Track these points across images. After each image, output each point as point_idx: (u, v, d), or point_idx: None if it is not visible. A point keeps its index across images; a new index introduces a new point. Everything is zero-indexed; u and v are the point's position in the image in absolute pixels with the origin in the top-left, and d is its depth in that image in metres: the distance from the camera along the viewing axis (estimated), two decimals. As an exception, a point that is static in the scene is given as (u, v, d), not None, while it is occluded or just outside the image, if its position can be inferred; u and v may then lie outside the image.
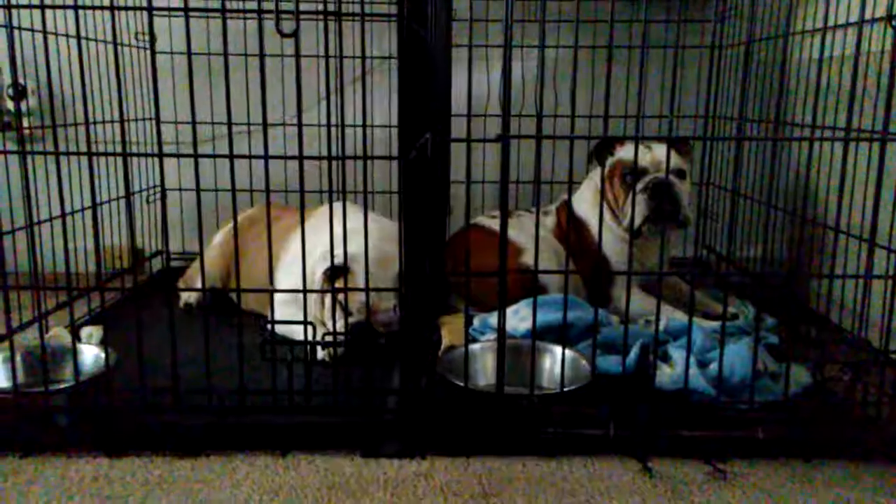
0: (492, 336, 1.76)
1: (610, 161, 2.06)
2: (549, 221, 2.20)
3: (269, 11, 1.23)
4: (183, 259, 2.52)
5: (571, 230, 2.09)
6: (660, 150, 1.96)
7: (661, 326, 1.71)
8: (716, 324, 1.77)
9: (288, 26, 1.25)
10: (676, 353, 1.63)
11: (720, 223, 2.42)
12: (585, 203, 2.16)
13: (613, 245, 2.05)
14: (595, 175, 2.17)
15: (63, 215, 1.43)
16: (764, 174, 2.07)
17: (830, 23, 1.66)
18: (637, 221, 1.93)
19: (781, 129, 1.90)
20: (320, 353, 1.72)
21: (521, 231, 2.06)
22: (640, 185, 1.93)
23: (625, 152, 2.02)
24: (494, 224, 2.15)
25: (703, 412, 1.45)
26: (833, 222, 1.64)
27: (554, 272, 1.95)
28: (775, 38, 2.03)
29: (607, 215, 2.04)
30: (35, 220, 1.50)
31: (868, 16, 1.39)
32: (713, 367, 1.51)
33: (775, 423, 1.41)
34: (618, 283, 2.04)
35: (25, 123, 2.42)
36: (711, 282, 2.34)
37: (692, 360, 1.51)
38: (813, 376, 1.54)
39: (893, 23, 1.32)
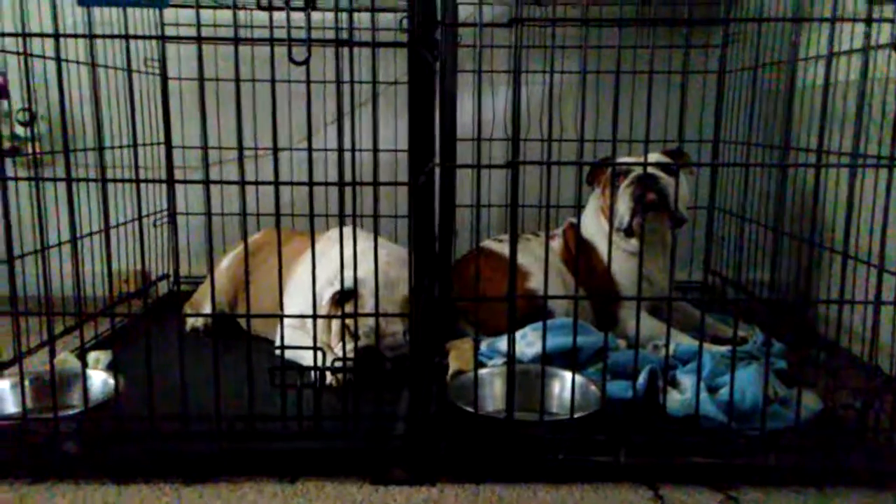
0: (500, 361, 1.76)
1: (603, 179, 2.09)
2: (555, 244, 2.19)
3: (282, 41, 1.25)
4: (191, 283, 2.52)
5: (579, 252, 2.09)
6: (649, 156, 1.97)
7: (670, 351, 1.70)
8: (724, 348, 1.76)
9: (299, 54, 1.27)
10: (686, 378, 1.62)
11: (727, 248, 2.42)
12: (591, 224, 2.16)
13: (621, 264, 2.04)
14: (592, 202, 2.20)
15: (74, 240, 1.43)
16: (771, 199, 2.08)
17: (836, 49, 1.67)
18: (625, 217, 1.95)
19: (788, 154, 1.91)
20: (329, 379, 1.72)
21: (527, 255, 2.06)
22: (624, 182, 1.97)
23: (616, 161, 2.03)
24: (500, 248, 2.15)
25: (713, 438, 1.44)
26: (841, 247, 1.64)
27: (561, 297, 1.94)
28: (779, 62, 2.04)
29: (614, 236, 2.04)
30: (46, 244, 1.50)
31: (874, 42, 1.40)
32: (723, 392, 1.50)
33: (787, 451, 1.40)
34: (625, 304, 2.04)
35: (35, 148, 2.44)
36: (718, 307, 2.34)
37: (702, 385, 1.50)
38: (824, 402, 1.53)
39: (898, 50, 1.33)
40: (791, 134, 2.03)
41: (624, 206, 1.96)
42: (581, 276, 2.05)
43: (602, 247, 2.09)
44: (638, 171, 1.95)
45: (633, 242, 2.03)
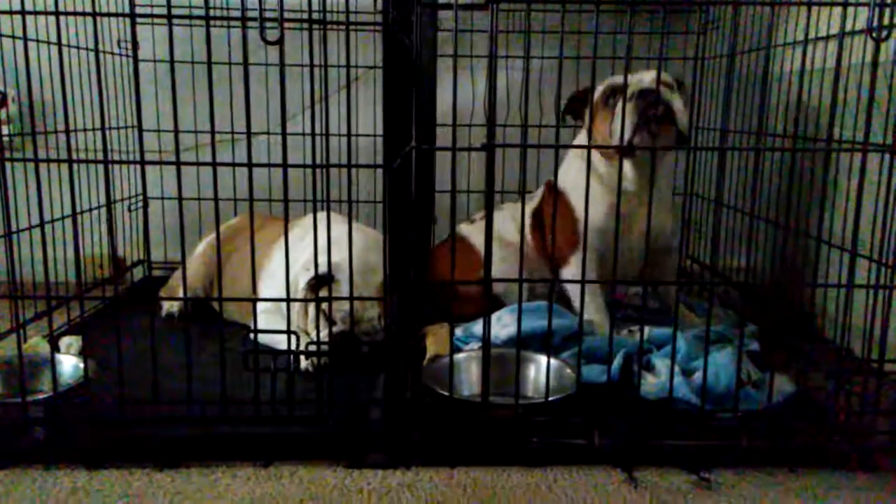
0: (476, 345, 1.76)
1: (592, 100, 1.82)
2: (532, 204, 2.09)
3: (254, 19, 1.23)
4: (165, 268, 2.49)
5: (553, 205, 1.76)
6: (645, 75, 1.80)
7: (645, 335, 1.71)
8: (697, 328, 1.77)
9: (272, 34, 1.25)
10: (660, 361, 1.63)
11: (703, 233, 2.43)
12: (569, 171, 1.97)
13: (594, 199, 1.60)
14: (572, 151, 2.02)
15: (42, 224, 1.41)
16: (747, 184, 2.09)
17: (812, 35, 1.68)
18: (627, 132, 1.69)
19: (764, 139, 1.92)
20: (304, 363, 1.71)
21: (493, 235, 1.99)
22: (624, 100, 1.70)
23: (600, 86, 1.85)
24: (471, 232, 2.13)
25: (687, 421, 1.45)
26: (816, 232, 1.66)
27: (509, 280, 1.82)
28: (758, 49, 2.05)
29: (602, 166, 1.88)
30: (14, 228, 1.48)
31: (849, 27, 1.41)
32: (698, 375, 1.51)
33: (759, 432, 1.41)
34: (573, 260, 1.91)
35: (5, 131, 2.40)
36: (696, 291, 2.36)
37: (677, 368, 1.51)
38: (796, 385, 1.55)
39: (874, 35, 1.33)
40: (767, 119, 2.05)
41: (626, 122, 1.67)
42: (553, 238, 1.90)
43: (575, 194, 1.88)
44: (638, 86, 1.74)
45: (624, 174, 1.74)
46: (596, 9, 1.34)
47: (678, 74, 1.83)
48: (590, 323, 1.85)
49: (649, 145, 1.69)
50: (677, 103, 1.74)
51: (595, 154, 1.81)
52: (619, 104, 1.70)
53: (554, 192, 1.60)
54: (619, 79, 1.77)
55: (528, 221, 2.07)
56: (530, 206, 2.10)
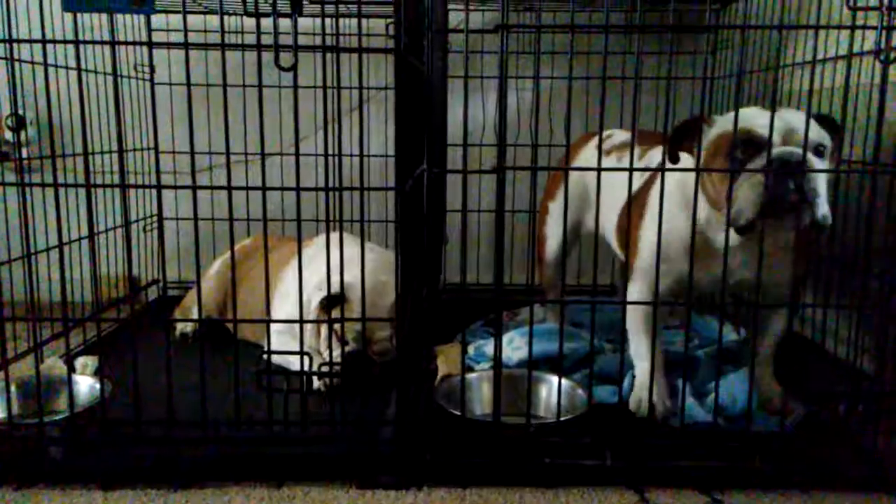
0: (487, 365, 1.76)
1: (707, 139, 1.45)
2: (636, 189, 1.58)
3: (269, 47, 1.25)
4: (180, 288, 2.52)
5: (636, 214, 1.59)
6: (793, 116, 1.38)
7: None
8: (712, 346, 1.76)
9: (286, 60, 1.27)
10: (676, 382, 1.63)
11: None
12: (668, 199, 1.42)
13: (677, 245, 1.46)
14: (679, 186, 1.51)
15: (60, 245, 1.43)
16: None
17: (820, 56, 1.69)
18: (746, 212, 1.34)
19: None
20: (316, 383, 1.72)
21: None
22: (754, 164, 1.35)
23: (728, 122, 1.40)
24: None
25: (700, 442, 1.45)
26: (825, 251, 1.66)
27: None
28: (766, 70, 2.06)
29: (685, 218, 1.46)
30: (33, 250, 1.50)
31: (857, 48, 1.42)
32: (713, 398, 1.50)
33: (772, 454, 1.41)
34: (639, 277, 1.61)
35: (24, 154, 2.44)
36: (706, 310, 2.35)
37: (689, 389, 1.51)
38: (808, 406, 1.54)
39: (882, 57, 1.34)
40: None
41: (748, 199, 1.34)
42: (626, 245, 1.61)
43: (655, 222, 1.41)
44: (778, 148, 1.33)
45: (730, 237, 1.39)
46: (605, 32, 1.35)
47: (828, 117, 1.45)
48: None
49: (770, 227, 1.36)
50: (821, 184, 1.32)
51: (701, 199, 1.44)
52: (749, 178, 1.33)
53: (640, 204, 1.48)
54: (753, 115, 1.39)
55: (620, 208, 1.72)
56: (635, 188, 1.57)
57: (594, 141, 1.89)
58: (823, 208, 1.32)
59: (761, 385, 1.58)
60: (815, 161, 1.32)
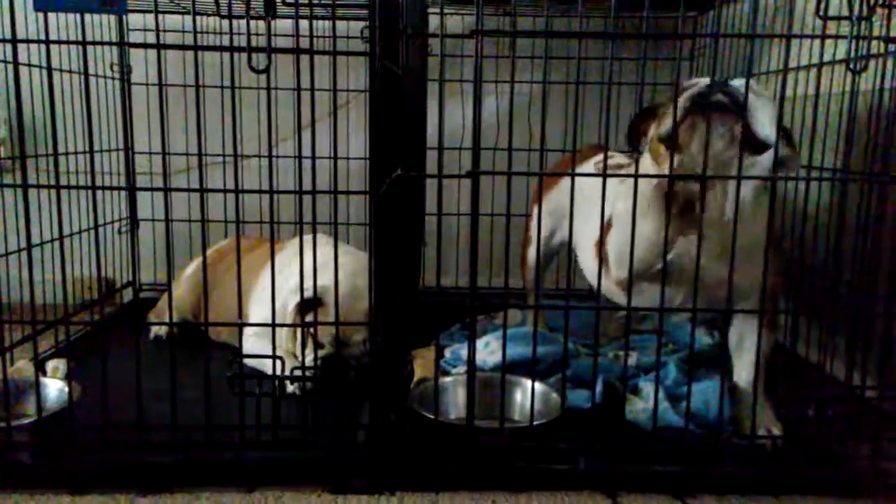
0: (463, 369, 1.76)
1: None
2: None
3: (242, 49, 1.25)
4: (155, 290, 2.50)
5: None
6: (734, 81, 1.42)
7: (632, 361, 1.72)
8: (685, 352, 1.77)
9: (261, 62, 1.27)
10: (648, 386, 1.64)
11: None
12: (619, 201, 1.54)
13: (625, 226, 1.43)
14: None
15: (29, 247, 1.41)
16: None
17: (792, 64, 1.71)
18: (679, 116, 1.37)
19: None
20: (290, 387, 1.71)
21: None
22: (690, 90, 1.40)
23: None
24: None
25: (672, 447, 1.45)
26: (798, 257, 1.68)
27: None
28: (740, 77, 2.08)
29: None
30: (2, 251, 1.48)
31: (828, 57, 1.44)
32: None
33: (744, 459, 1.42)
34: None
35: (-3, 153, 2.41)
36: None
37: (662, 394, 1.51)
38: (779, 412, 1.55)
39: (852, 66, 1.36)
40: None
41: (680, 106, 1.37)
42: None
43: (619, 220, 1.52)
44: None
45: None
46: (579, 38, 1.36)
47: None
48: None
49: (706, 146, 1.35)
50: (760, 108, 1.36)
51: (645, 181, 1.45)
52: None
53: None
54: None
55: None
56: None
57: (596, 158, 1.87)
58: (765, 129, 1.34)
59: (740, 406, 1.54)
60: (752, 97, 1.34)
